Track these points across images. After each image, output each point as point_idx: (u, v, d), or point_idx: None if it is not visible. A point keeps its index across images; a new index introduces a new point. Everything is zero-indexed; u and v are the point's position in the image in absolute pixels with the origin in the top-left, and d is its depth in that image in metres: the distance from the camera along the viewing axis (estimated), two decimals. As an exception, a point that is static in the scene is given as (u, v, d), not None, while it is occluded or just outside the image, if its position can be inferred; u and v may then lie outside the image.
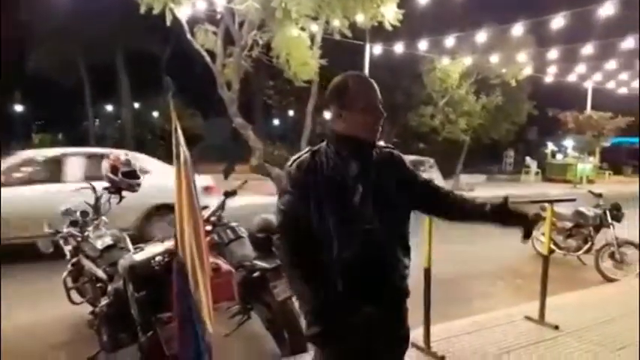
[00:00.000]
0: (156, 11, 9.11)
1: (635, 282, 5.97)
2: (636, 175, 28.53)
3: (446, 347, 3.71)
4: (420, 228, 3.20)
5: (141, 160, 6.70)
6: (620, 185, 20.77)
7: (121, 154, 5.09)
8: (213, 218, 3.87)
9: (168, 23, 9.46)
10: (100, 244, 3.73)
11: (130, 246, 3.78)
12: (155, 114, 26.80)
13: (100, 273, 3.55)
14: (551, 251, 5.02)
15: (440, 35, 17.58)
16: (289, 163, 1.83)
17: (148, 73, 25.59)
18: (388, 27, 10.14)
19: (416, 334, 3.51)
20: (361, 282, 1.74)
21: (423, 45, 17.76)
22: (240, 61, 11.21)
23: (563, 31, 16.16)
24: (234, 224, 3.96)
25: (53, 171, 7.04)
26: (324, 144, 1.83)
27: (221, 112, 13.87)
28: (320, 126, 18.27)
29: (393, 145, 1.95)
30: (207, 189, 7.38)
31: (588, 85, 25.36)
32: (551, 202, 4.75)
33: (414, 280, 1.93)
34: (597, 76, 23.76)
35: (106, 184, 4.19)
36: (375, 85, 1.83)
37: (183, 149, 2.08)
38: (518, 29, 16.86)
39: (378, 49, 18.17)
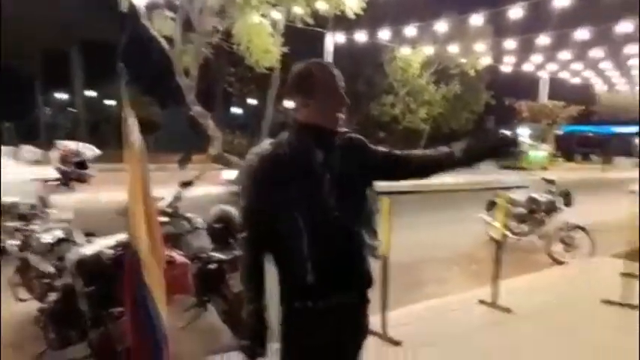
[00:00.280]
0: (111, -5, 8.81)
1: (582, 263, 6.24)
2: (586, 162, 29.75)
3: (402, 332, 3.77)
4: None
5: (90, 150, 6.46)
6: (572, 172, 21.59)
7: (71, 144, 4.91)
8: (168, 209, 3.80)
9: (123, 8, 9.16)
10: (50, 238, 3.59)
11: (82, 239, 3.66)
12: (112, 102, 26.00)
13: (49, 268, 3.43)
14: (505, 236, 5.17)
15: (401, 25, 17.73)
16: (249, 156, 1.79)
17: (102, 59, 24.72)
18: (351, 15, 10.14)
19: (373, 321, 3.56)
20: (331, 273, 1.73)
21: (385, 34, 17.88)
22: (199, 48, 10.99)
23: (520, 21, 16.56)
24: (190, 215, 3.90)
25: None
26: (285, 134, 1.80)
27: (179, 101, 13.59)
28: (282, 114, 18.17)
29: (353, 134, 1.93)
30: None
31: (543, 74, 26.15)
32: (504, 189, 4.88)
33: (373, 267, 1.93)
34: (552, 66, 24.53)
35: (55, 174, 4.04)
36: (338, 73, 1.81)
37: (137, 138, 2.02)
38: (477, 19, 17.18)
39: (340, 37, 18.17)
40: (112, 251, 2.90)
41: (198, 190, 4.60)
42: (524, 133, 26.45)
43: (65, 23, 22.52)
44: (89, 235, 3.55)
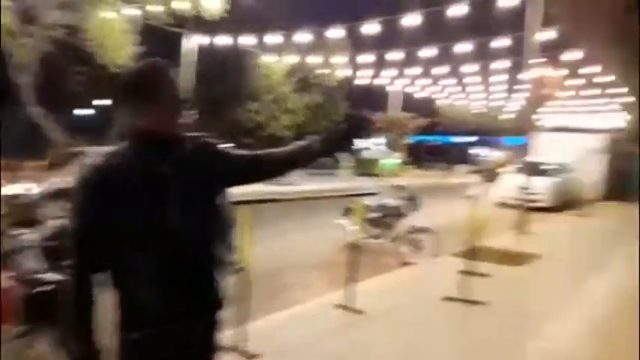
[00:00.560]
0: None
1: (428, 263, 6.81)
2: (433, 169, 32.85)
3: (261, 344, 3.73)
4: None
5: None
6: (420, 178, 23.61)
7: None
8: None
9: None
10: None
11: None
12: None
13: None
14: (359, 240, 5.42)
15: (264, 32, 17.88)
16: (79, 173, 1.58)
17: None
18: (209, 18, 9.96)
19: (231, 335, 3.46)
20: (174, 297, 1.57)
21: (249, 40, 17.86)
22: (39, 42, 9.88)
23: (375, 37, 17.74)
24: (20, 231, 3.42)
25: None
26: (122, 143, 1.62)
27: (16, 101, 12.06)
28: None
29: (217, 140, 1.79)
30: None
31: (393, 88, 28.35)
32: (357, 195, 5.12)
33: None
34: (402, 81, 26.70)
35: None
36: (173, 74, 1.68)
37: None
38: (337, 32, 18.01)
39: (202, 40, 17.71)
40: None
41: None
42: (378, 142, 28.37)
43: None
44: None
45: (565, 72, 22.14)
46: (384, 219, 7.60)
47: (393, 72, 24.18)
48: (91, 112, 32.62)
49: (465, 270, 5.71)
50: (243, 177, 1.78)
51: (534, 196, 12.22)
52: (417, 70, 23.78)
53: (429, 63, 22.64)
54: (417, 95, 30.23)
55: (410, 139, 28.93)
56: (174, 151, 1.62)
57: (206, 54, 18.29)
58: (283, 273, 6.45)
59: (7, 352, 3.12)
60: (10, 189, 3.76)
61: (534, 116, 15.00)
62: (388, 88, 28.18)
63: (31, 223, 3.47)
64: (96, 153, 1.64)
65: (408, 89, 28.57)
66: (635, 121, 23.77)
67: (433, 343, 4.10)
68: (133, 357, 1.60)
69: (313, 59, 19.24)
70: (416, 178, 23.49)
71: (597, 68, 22.07)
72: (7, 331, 3.04)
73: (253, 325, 3.78)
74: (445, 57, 21.80)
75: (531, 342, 4.21)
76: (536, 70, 14.83)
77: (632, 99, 23.51)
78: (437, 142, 44.25)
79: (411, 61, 22.11)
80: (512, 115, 30.79)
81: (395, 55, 20.82)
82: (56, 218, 3.33)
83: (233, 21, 12.97)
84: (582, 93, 24.04)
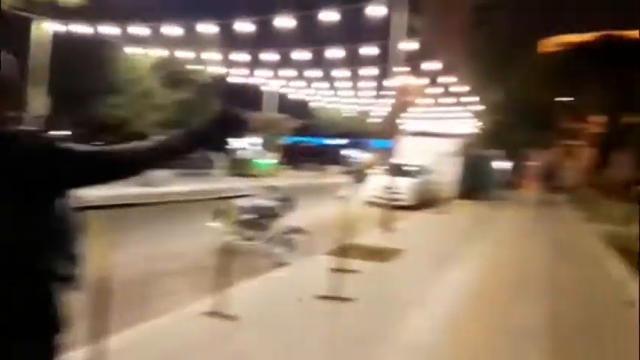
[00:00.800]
0: None
1: (302, 263, 6.85)
2: (307, 170, 33.56)
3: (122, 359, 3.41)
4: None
5: None
6: (295, 179, 23.96)
7: None
8: None
9: None
10: None
11: None
12: None
13: None
14: (232, 243, 5.25)
15: (129, 23, 16.73)
16: None
17: None
18: (64, 3, 9.01)
19: (82, 355, 3.09)
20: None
21: (112, 30, 16.57)
22: None
23: (249, 36, 17.56)
24: None
25: None
26: None
27: None
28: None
29: (71, 137, 1.50)
30: None
31: (269, 88, 28.46)
32: (231, 197, 4.94)
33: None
34: (278, 82, 26.92)
35: None
36: (8, 62, 1.40)
37: None
38: (209, 28, 17.48)
39: (57, 27, 16.03)
40: None
41: None
42: (254, 142, 28.23)
43: None
44: None
45: (426, 81, 24.16)
46: (259, 220, 7.49)
47: (269, 72, 24.26)
48: None
49: (337, 268, 5.84)
50: (87, 177, 1.51)
51: (398, 196, 13.05)
52: (291, 72, 24.13)
53: (303, 65, 23.11)
54: (291, 97, 30.72)
55: (285, 140, 29.20)
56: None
57: (62, 43, 16.60)
58: (149, 280, 6.03)
59: None
60: None
61: (398, 121, 16.05)
62: (263, 88, 28.22)
63: None
64: None
65: (283, 90, 28.90)
66: (484, 127, 26.68)
67: (307, 344, 4.09)
68: None
69: (184, 54, 18.45)
70: (291, 178, 23.78)
71: (454, 78, 24.38)
72: None
73: (111, 341, 3.42)
74: (318, 61, 22.43)
75: (396, 333, 4.41)
76: (400, 78, 15.88)
77: (482, 107, 26.35)
78: (311, 144, 45.40)
79: (286, 62, 22.37)
80: (379, 120, 32.66)
81: (270, 55, 20.87)
82: None
83: (93, 8, 11.90)
84: (440, 100, 26.35)
